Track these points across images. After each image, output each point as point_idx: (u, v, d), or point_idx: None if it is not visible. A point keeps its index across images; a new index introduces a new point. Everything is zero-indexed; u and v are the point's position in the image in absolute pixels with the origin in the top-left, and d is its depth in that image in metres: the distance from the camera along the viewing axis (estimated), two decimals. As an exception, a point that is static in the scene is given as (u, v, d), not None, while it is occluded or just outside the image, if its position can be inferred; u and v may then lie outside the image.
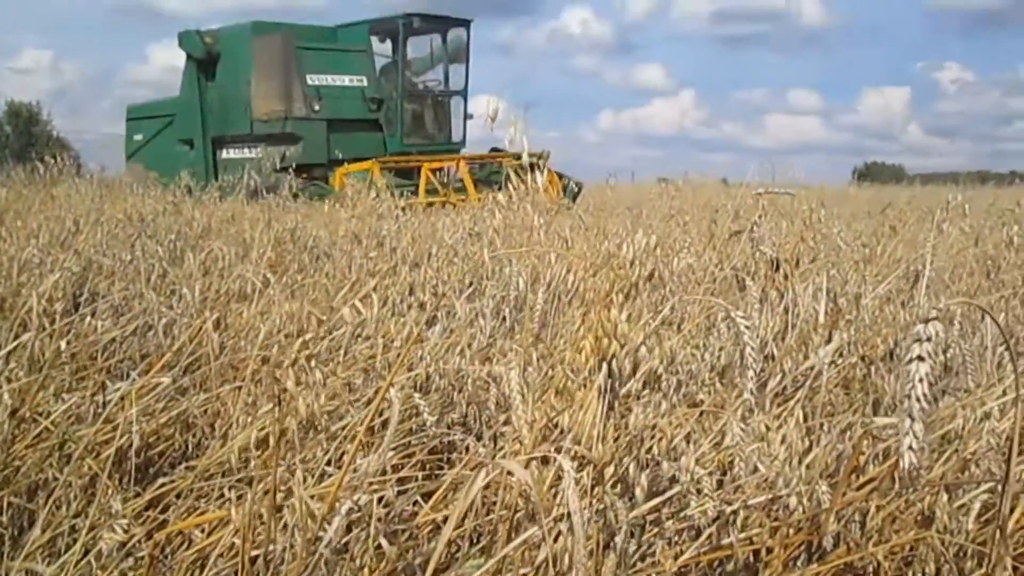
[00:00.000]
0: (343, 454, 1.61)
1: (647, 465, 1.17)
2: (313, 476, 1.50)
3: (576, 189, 12.25)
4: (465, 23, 13.96)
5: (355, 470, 1.32)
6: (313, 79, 12.90)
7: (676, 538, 1.28)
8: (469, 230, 3.44)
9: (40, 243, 3.14)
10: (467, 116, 14.48)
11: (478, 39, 14.32)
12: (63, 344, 2.01)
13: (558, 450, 1.04)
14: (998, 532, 1.07)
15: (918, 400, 0.89)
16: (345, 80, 13.32)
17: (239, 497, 1.65)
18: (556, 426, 1.33)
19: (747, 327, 1.25)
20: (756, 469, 1.28)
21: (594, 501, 1.07)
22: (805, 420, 1.52)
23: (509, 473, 1.10)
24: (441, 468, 1.85)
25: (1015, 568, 1.26)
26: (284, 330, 2.28)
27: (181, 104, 14.15)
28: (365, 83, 13.48)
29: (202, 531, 1.50)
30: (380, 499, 1.36)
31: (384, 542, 1.13)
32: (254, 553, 1.18)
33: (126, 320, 2.37)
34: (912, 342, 0.88)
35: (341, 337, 2.15)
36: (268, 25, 13.43)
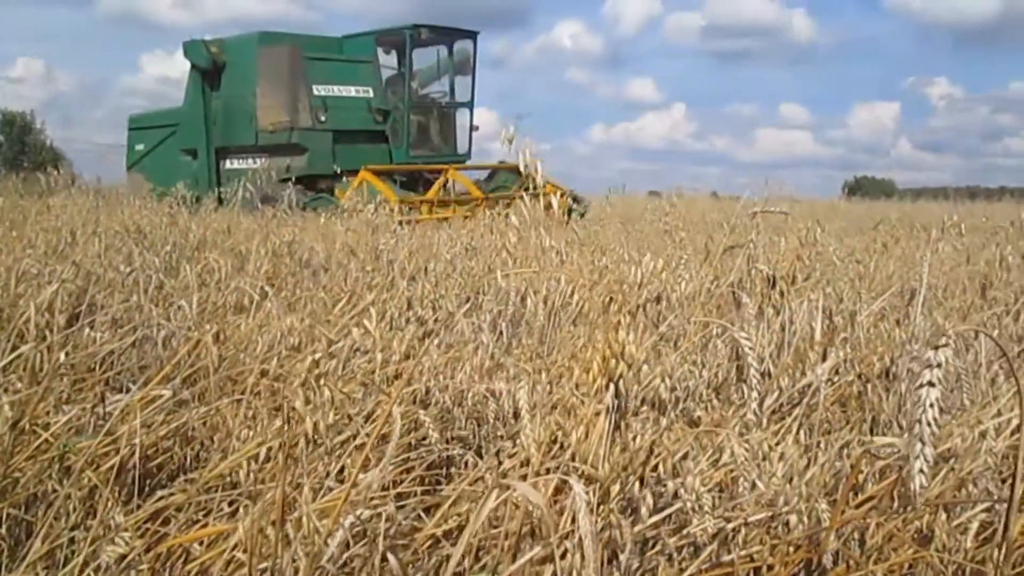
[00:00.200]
0: (343, 468, 1.62)
1: (650, 483, 1.18)
2: (314, 491, 1.51)
3: (582, 207, 12.18)
4: (471, 35, 13.92)
5: (355, 484, 1.32)
6: (319, 90, 12.82)
7: (677, 555, 1.29)
8: (466, 246, 3.45)
9: (37, 253, 3.14)
10: (473, 128, 14.43)
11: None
12: (62, 356, 2.01)
13: (564, 469, 1.05)
14: (998, 551, 1.08)
15: (928, 425, 0.90)
16: (351, 91, 13.26)
17: (235, 512, 1.66)
18: (556, 442, 1.34)
19: (751, 347, 1.26)
20: (755, 486, 1.30)
21: (599, 519, 1.08)
22: (802, 437, 1.53)
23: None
24: (439, 483, 1.85)
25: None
26: (283, 343, 2.29)
27: (185, 114, 14.06)
28: (371, 94, 13.43)
29: (201, 544, 1.51)
30: (380, 514, 1.37)
31: (391, 558, 1.14)
32: (261, 566, 1.18)
33: (124, 332, 2.37)
34: (922, 368, 0.89)
35: (339, 351, 2.15)
36: (274, 35, 13.36)
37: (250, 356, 2.29)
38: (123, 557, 1.40)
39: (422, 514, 1.51)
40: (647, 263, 1.08)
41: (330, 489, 1.51)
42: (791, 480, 1.28)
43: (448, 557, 1.48)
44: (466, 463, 1.79)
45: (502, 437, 1.85)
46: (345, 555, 1.24)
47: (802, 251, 2.54)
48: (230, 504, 1.68)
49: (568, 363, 2.01)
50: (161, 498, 1.67)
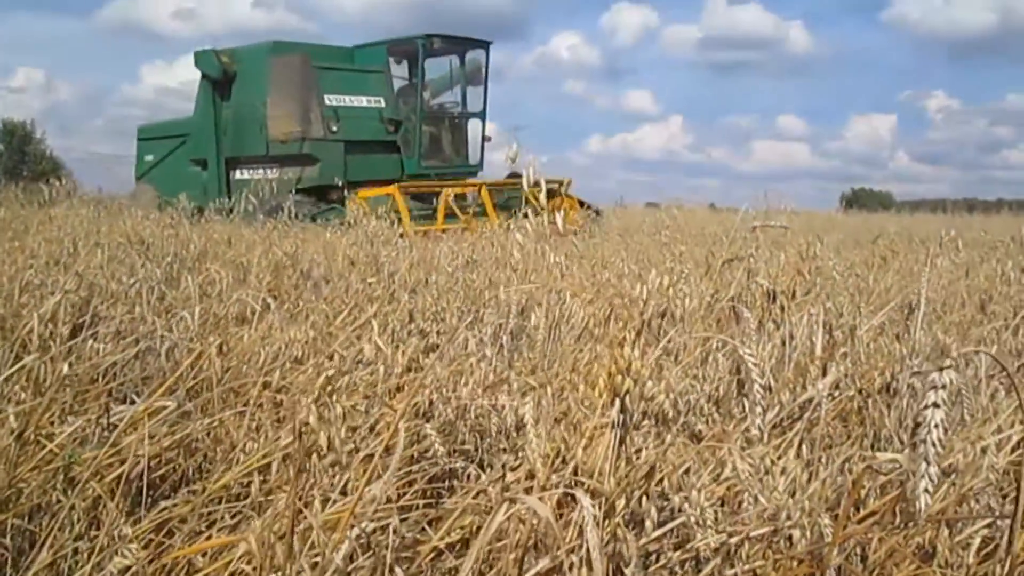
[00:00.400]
0: (347, 481, 1.63)
1: (654, 497, 1.19)
2: (318, 502, 1.51)
3: (596, 216, 12.16)
4: (484, 44, 13.76)
5: (361, 497, 1.33)
6: (331, 100, 12.67)
7: (680, 569, 1.30)
8: (467, 258, 3.46)
9: (39, 264, 3.14)
10: (485, 139, 14.28)
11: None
12: (65, 367, 2.02)
13: (569, 484, 1.06)
14: (1001, 567, 1.09)
15: (933, 445, 0.92)
16: (363, 101, 13.11)
17: (237, 524, 1.67)
18: (559, 455, 1.35)
19: (755, 363, 1.27)
20: (757, 501, 1.31)
21: (605, 533, 1.09)
22: (804, 452, 1.54)
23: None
24: (441, 496, 1.86)
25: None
26: (286, 355, 2.30)
27: (195, 124, 13.95)
28: (383, 104, 13.27)
29: (204, 556, 1.51)
30: (385, 526, 1.38)
31: (398, 571, 1.15)
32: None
33: (127, 343, 2.38)
34: (927, 388, 0.91)
35: (341, 363, 2.16)
36: (286, 45, 13.25)
37: (252, 368, 2.30)
38: (127, 569, 1.41)
39: (427, 527, 1.51)
40: (653, 279, 1.09)
41: (333, 502, 1.52)
42: (793, 495, 1.29)
43: (451, 570, 1.49)
44: (468, 476, 1.80)
45: (504, 450, 1.86)
46: (351, 567, 1.25)
47: (802, 265, 2.55)
48: (232, 516, 1.69)
49: (570, 376, 2.03)
50: (164, 509, 1.68)
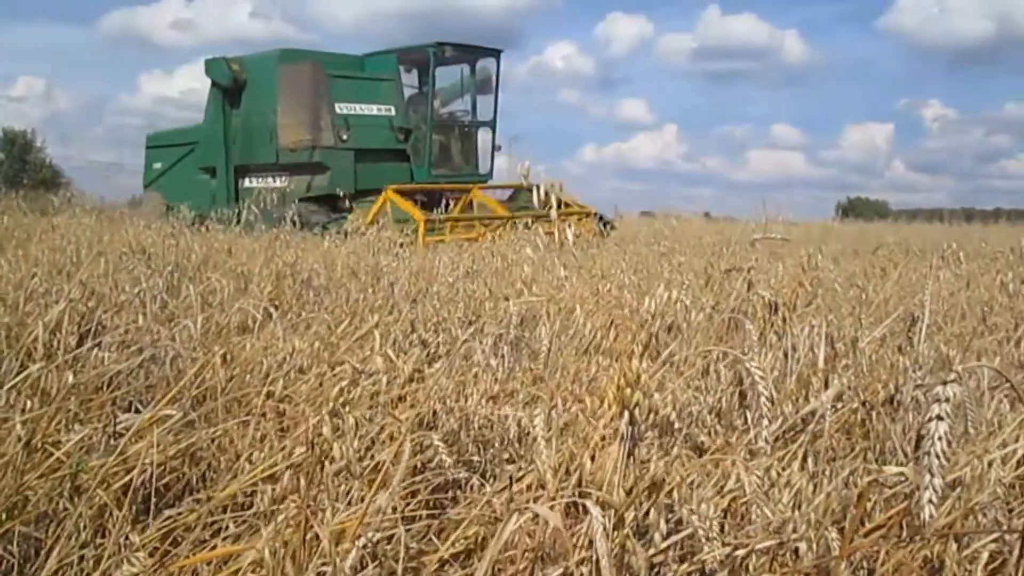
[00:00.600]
0: (351, 490, 1.63)
1: (662, 509, 1.19)
2: (322, 511, 1.52)
3: (609, 228, 12.12)
4: (495, 53, 13.68)
5: (368, 506, 1.34)
6: (341, 108, 12.58)
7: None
8: (467, 269, 3.47)
9: (43, 272, 3.15)
10: (495, 147, 14.17)
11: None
12: (70, 376, 2.03)
13: (577, 494, 1.07)
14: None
15: (937, 457, 0.93)
16: (373, 109, 13.00)
17: (240, 534, 1.67)
18: (563, 467, 1.36)
19: (762, 376, 1.28)
20: (762, 513, 1.31)
21: (614, 544, 1.09)
22: (809, 465, 1.55)
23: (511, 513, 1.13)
24: (444, 507, 1.86)
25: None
26: (289, 364, 2.30)
27: (204, 132, 13.87)
28: (393, 112, 13.17)
29: (209, 565, 1.52)
30: (392, 536, 1.38)
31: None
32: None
33: (132, 352, 2.39)
34: (931, 402, 0.92)
35: (344, 373, 2.17)
36: (296, 53, 13.19)
37: (256, 377, 2.30)
38: (134, 576, 1.42)
39: (434, 538, 1.52)
40: (661, 293, 1.10)
41: (336, 511, 1.53)
42: (799, 507, 1.30)
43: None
44: (471, 487, 1.80)
45: (507, 461, 1.87)
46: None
47: (803, 277, 2.56)
48: (236, 525, 1.70)
49: (571, 388, 2.04)
50: (170, 518, 1.69)
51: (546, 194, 1.64)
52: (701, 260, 4.53)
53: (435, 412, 1.91)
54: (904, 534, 1.29)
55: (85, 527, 1.66)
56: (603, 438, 1.22)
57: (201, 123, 14.14)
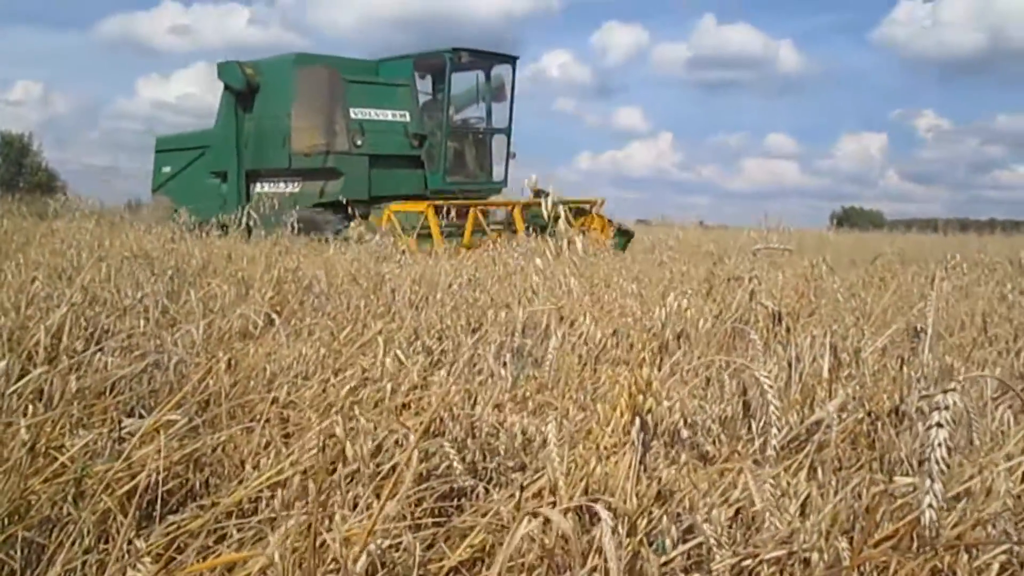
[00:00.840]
0: (356, 497, 1.63)
1: (672, 517, 1.20)
2: (331, 518, 1.52)
3: (627, 236, 12.07)
4: (511, 59, 13.48)
5: (376, 512, 1.34)
6: (356, 113, 12.38)
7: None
8: (470, 277, 3.47)
9: (43, 276, 3.14)
10: (510, 155, 13.93)
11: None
12: (73, 381, 2.03)
13: (590, 501, 1.07)
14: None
15: (937, 463, 0.95)
16: (388, 115, 12.78)
17: (244, 541, 1.67)
18: (569, 474, 1.36)
19: (770, 385, 1.28)
20: (772, 522, 1.31)
21: (626, 552, 1.09)
22: (816, 475, 1.55)
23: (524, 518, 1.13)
24: (450, 514, 1.86)
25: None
26: (293, 370, 2.30)
27: (215, 136, 13.73)
28: (408, 118, 12.96)
29: (213, 571, 1.51)
30: (399, 544, 1.38)
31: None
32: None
33: (135, 357, 2.38)
34: (932, 410, 0.93)
35: (349, 379, 2.17)
36: (311, 57, 13.04)
37: (259, 383, 2.30)
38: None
39: (442, 545, 1.52)
40: (671, 302, 1.11)
41: (344, 518, 1.52)
42: (808, 517, 1.30)
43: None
44: (477, 495, 1.80)
45: (514, 469, 1.86)
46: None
47: (806, 287, 2.57)
48: (239, 531, 1.69)
49: (575, 396, 2.04)
50: (174, 523, 1.68)
51: (553, 204, 1.65)
52: (700, 269, 4.53)
53: (442, 419, 1.90)
54: (915, 545, 1.29)
55: (89, 532, 1.65)
56: (613, 445, 1.22)
57: (212, 127, 13.99)
